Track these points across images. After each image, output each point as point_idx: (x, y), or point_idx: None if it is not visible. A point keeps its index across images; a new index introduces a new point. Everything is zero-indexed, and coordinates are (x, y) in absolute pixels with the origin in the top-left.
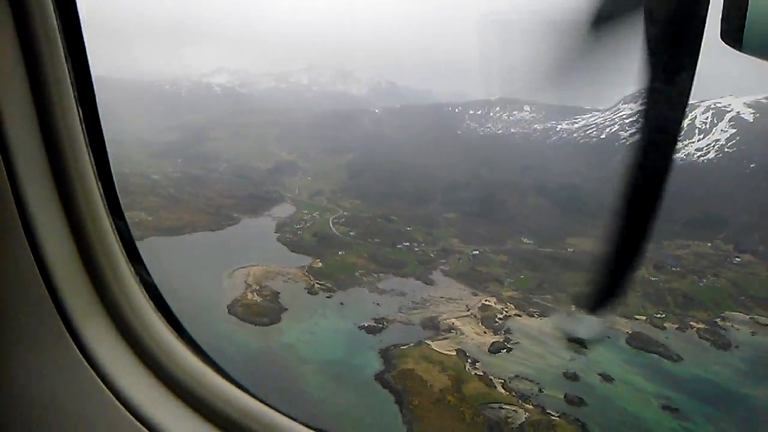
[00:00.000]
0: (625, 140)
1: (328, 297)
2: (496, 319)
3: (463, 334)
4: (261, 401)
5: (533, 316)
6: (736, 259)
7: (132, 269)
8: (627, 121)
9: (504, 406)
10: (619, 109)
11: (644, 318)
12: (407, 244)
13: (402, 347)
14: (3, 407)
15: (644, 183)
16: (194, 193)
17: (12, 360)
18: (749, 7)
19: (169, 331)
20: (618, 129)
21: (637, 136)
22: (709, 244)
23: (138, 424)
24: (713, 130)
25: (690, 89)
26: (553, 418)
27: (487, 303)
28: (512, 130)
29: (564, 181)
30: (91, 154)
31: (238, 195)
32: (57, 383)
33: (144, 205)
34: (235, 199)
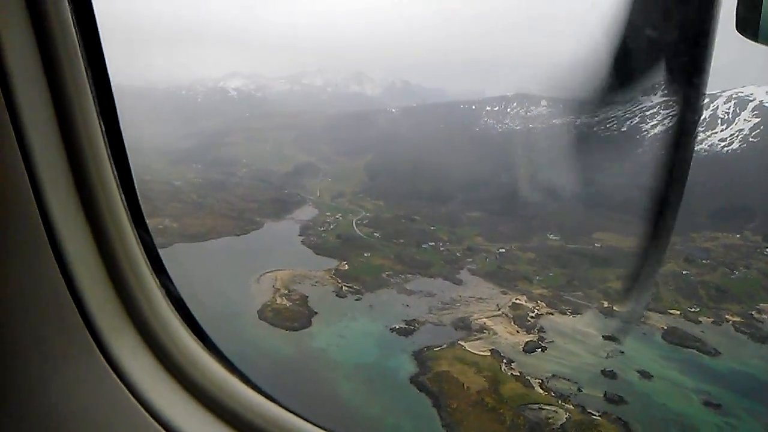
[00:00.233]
0: (646, 132)
1: (357, 300)
2: (528, 318)
3: (496, 333)
4: (288, 410)
5: (566, 313)
6: (767, 250)
7: (157, 281)
8: (647, 113)
9: (544, 407)
10: (639, 101)
11: (678, 312)
12: (432, 243)
13: (435, 349)
14: (35, 423)
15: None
16: (216, 198)
17: (43, 376)
18: None
19: (196, 342)
20: (639, 122)
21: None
22: (737, 236)
23: None
24: (736, 120)
25: (705, 84)
26: (594, 417)
27: (517, 302)
28: (530, 125)
29: (587, 175)
30: (113, 167)
31: (260, 199)
32: (87, 397)
33: (168, 211)
34: (257, 203)
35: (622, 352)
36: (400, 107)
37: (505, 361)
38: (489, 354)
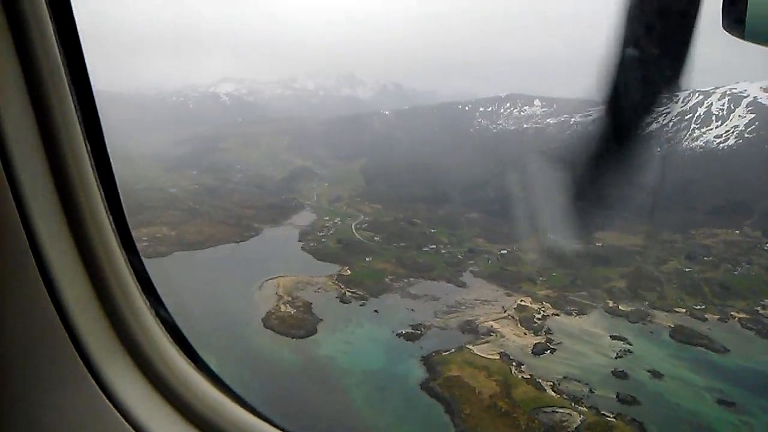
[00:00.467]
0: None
1: (361, 305)
2: (535, 320)
3: (504, 336)
4: (283, 430)
5: (571, 314)
6: None
7: (148, 304)
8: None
9: (557, 410)
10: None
11: (684, 310)
12: (433, 246)
13: (443, 353)
14: None
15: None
16: (213, 205)
17: (35, 401)
18: None
19: (188, 364)
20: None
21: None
22: (737, 232)
23: None
24: (731, 116)
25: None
26: (609, 419)
27: (523, 303)
28: (525, 125)
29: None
30: (102, 191)
31: (258, 205)
32: (80, 423)
33: (164, 219)
34: (254, 210)
35: (631, 352)
36: (393, 110)
37: (514, 364)
38: (498, 357)
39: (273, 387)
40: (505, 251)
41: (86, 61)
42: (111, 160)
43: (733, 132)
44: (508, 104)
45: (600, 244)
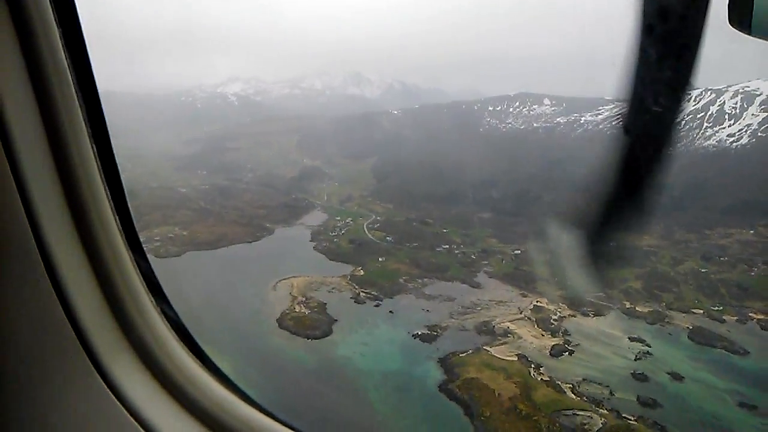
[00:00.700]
0: None
1: (376, 306)
2: (552, 321)
3: (521, 338)
4: (289, 427)
5: (588, 315)
6: None
7: (154, 302)
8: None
9: (578, 413)
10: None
11: (701, 312)
12: (446, 246)
13: (461, 355)
14: None
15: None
16: (224, 204)
17: (43, 400)
18: None
19: (194, 361)
20: None
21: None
22: (751, 232)
23: None
24: (744, 115)
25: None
26: (630, 422)
27: (539, 304)
28: (535, 124)
29: (597, 173)
30: (107, 190)
31: (269, 205)
32: (86, 419)
33: (176, 219)
34: (266, 209)
35: (650, 354)
36: (401, 109)
37: (533, 366)
38: (516, 359)
39: (293, 388)
40: (519, 251)
41: (93, 61)
42: (117, 161)
43: (746, 131)
44: (517, 103)
45: (613, 244)
